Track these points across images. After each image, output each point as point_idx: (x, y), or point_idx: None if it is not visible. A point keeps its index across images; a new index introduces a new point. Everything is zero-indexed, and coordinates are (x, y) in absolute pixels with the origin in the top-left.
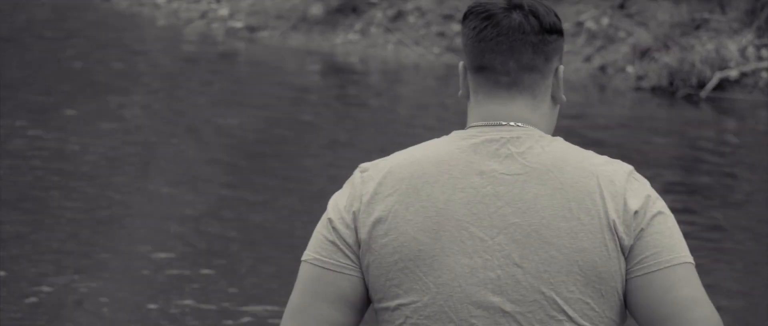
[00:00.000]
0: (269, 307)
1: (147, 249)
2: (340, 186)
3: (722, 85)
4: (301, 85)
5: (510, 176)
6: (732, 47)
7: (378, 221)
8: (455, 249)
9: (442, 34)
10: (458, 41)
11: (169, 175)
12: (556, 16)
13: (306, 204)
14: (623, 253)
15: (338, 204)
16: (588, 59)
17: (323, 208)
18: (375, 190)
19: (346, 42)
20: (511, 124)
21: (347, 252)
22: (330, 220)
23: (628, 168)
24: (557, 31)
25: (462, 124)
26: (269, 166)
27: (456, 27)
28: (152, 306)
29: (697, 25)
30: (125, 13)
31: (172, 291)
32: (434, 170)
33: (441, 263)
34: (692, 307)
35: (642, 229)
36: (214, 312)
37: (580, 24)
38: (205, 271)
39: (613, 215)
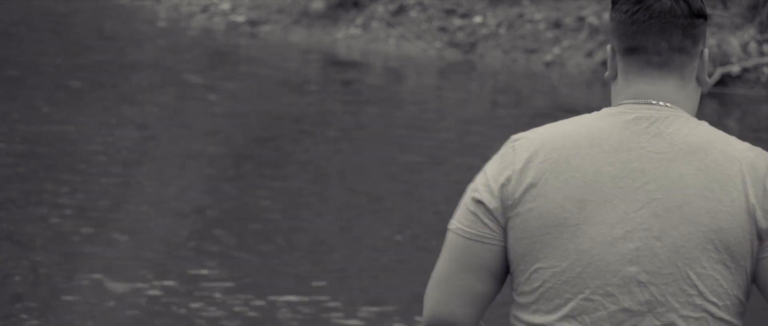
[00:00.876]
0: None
1: (144, 240)
2: (337, 178)
3: (724, 80)
4: (302, 79)
5: (657, 154)
6: (734, 43)
7: (530, 186)
8: (599, 219)
9: (443, 29)
10: (460, 36)
11: (167, 167)
12: (702, 1)
13: (305, 197)
14: (759, 236)
15: (487, 173)
16: (590, 54)
17: (321, 197)
18: (529, 158)
19: (348, 37)
20: (661, 103)
21: (488, 221)
22: (475, 191)
23: None
24: (704, 16)
25: (464, 118)
26: (268, 160)
27: (458, 21)
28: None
29: None
30: (126, 7)
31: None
32: (586, 143)
33: (584, 231)
34: None
35: None
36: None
37: (581, 19)
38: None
39: (752, 200)
